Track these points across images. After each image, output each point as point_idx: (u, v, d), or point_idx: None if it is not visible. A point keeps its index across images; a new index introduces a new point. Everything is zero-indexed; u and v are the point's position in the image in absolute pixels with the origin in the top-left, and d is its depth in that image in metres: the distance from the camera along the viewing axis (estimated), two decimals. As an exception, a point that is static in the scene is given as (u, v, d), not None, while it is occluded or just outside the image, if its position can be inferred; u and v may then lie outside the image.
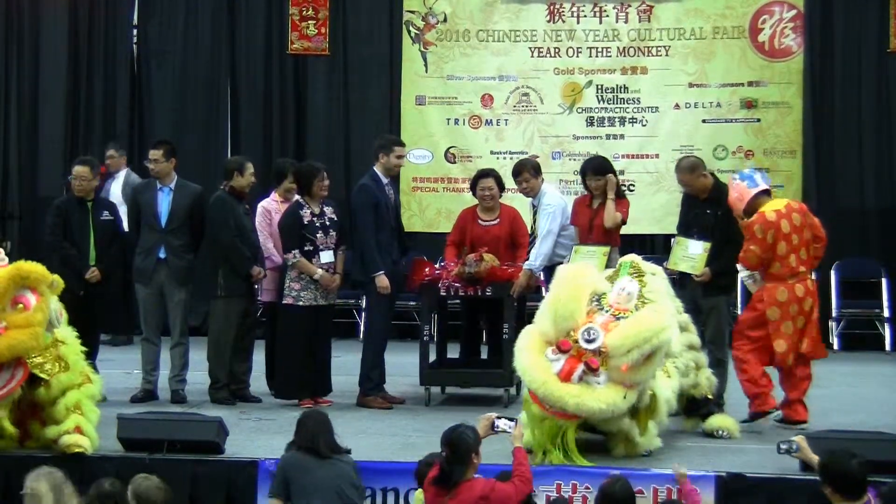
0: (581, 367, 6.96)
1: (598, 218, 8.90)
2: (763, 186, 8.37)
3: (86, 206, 9.20)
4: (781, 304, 8.25)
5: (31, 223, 12.99)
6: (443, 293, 8.97)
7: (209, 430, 7.33)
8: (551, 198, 9.36)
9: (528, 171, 9.37)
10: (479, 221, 9.38)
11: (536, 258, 9.15)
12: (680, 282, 8.59)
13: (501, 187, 9.50)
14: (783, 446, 6.51)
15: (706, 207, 8.62)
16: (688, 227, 8.69)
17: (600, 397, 6.94)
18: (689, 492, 6.61)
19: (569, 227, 9.20)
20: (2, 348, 7.07)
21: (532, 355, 7.10)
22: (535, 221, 9.32)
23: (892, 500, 5.69)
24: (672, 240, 8.86)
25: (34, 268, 7.32)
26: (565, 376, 6.95)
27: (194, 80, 13.46)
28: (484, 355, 9.72)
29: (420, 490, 6.41)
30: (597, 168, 9.06)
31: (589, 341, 7.00)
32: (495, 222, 9.33)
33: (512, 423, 6.59)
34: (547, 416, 7.01)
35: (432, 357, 9.29)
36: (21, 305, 7.19)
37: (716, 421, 7.91)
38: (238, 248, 8.95)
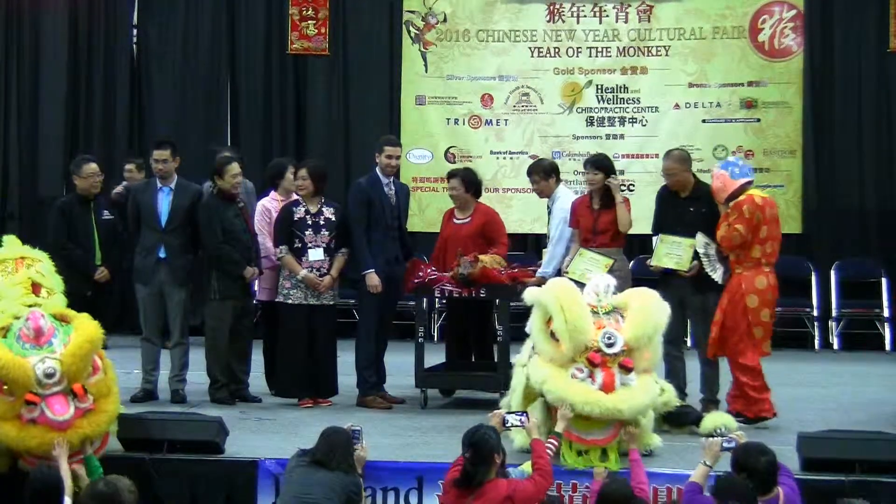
0: (618, 373, 6.98)
1: (601, 222, 8.88)
2: (747, 179, 8.44)
3: (88, 206, 9.20)
4: (760, 292, 8.30)
5: (31, 223, 12.98)
6: (437, 295, 8.93)
7: (209, 430, 7.33)
8: (564, 202, 9.28)
9: (537, 173, 9.36)
10: (454, 220, 9.45)
11: (549, 263, 9.12)
12: (663, 280, 8.58)
13: (470, 186, 9.44)
14: (725, 444, 6.45)
15: (689, 205, 8.62)
16: (671, 225, 8.68)
17: (642, 391, 7.04)
18: (634, 460, 6.62)
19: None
20: (102, 426, 6.85)
21: (564, 381, 7.00)
22: (549, 223, 9.31)
23: (724, 491, 5.86)
24: (654, 238, 8.85)
25: (97, 327, 7.04)
26: (609, 388, 6.94)
27: (194, 80, 13.46)
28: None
29: None
30: (595, 162, 9.04)
31: (610, 345, 7.00)
32: (466, 221, 9.37)
33: (523, 417, 6.59)
34: (589, 448, 6.99)
35: (434, 360, 9.30)
36: (90, 368, 6.96)
37: (711, 420, 7.89)
38: (225, 254, 8.92)
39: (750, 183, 8.46)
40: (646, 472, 6.79)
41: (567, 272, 8.73)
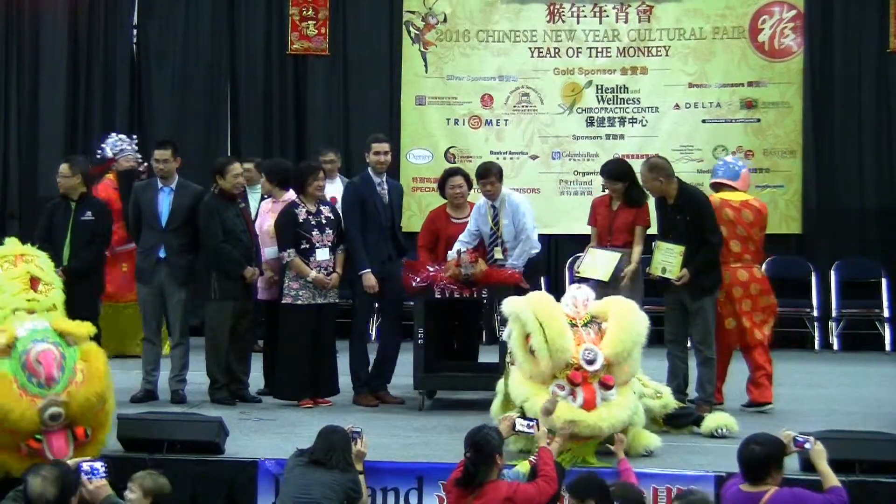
0: (599, 390, 6.98)
1: (618, 221, 8.91)
2: (719, 179, 9.11)
3: (69, 206, 9.21)
4: (722, 286, 8.67)
5: (30, 223, 12.93)
6: (437, 295, 8.82)
7: (209, 431, 7.33)
8: (521, 198, 9.44)
9: (494, 175, 9.29)
10: (453, 220, 9.46)
11: (519, 257, 9.12)
12: (663, 285, 8.64)
13: (469, 185, 9.56)
14: (801, 441, 6.40)
15: (675, 213, 8.65)
16: (665, 232, 8.73)
17: (622, 406, 7.04)
18: (625, 470, 6.66)
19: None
20: (93, 454, 6.61)
21: (545, 400, 7.00)
22: (495, 223, 9.22)
23: (577, 489, 5.91)
24: (653, 244, 8.87)
25: (107, 369, 6.92)
26: (590, 405, 6.95)
27: (194, 80, 13.45)
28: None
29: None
30: (610, 174, 9.05)
31: (590, 362, 6.99)
32: (468, 219, 9.39)
33: (533, 423, 6.59)
34: (571, 446, 7.00)
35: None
36: None
37: (712, 421, 7.91)
38: (225, 254, 8.92)
39: (722, 185, 9.01)
40: (648, 473, 6.82)
41: (579, 272, 8.84)
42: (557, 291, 9.09)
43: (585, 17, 13.01)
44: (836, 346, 12.44)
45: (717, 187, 9.11)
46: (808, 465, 6.72)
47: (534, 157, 13.05)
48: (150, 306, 9.19)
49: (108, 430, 7.01)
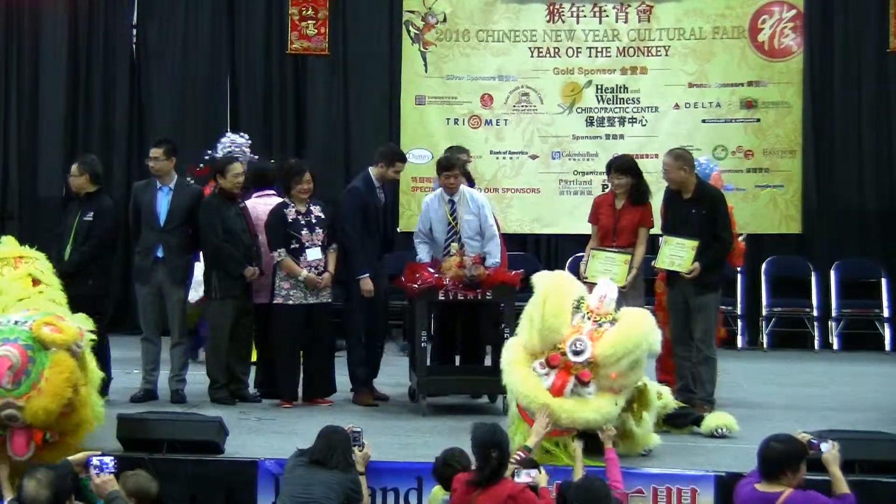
0: (572, 381, 6.93)
1: (623, 221, 8.88)
2: None
3: (79, 206, 9.22)
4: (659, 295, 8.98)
5: (30, 223, 12.98)
6: (441, 297, 8.72)
7: (209, 430, 7.34)
8: (482, 197, 9.39)
9: (458, 168, 9.25)
10: None
11: (497, 254, 9.14)
12: (670, 280, 8.64)
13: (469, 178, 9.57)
14: (815, 443, 6.34)
15: (691, 207, 8.64)
16: (675, 226, 8.71)
17: (593, 407, 6.93)
18: (610, 459, 6.65)
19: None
20: (64, 455, 6.40)
21: (521, 371, 7.05)
22: (453, 217, 9.16)
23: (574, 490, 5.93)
24: (660, 239, 8.86)
25: (67, 379, 6.70)
26: (557, 391, 6.92)
27: (194, 80, 13.45)
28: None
29: (438, 487, 6.43)
30: (618, 167, 9.02)
31: (577, 353, 6.95)
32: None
33: (535, 472, 6.52)
34: (557, 439, 6.99)
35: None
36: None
37: (712, 421, 7.91)
38: (225, 252, 8.91)
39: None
40: (647, 473, 6.81)
41: (586, 277, 8.71)
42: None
43: (585, 16, 13.02)
44: (835, 346, 12.44)
45: None
46: (809, 464, 6.72)
47: (533, 157, 13.05)
48: (149, 305, 9.18)
49: (81, 437, 6.84)
